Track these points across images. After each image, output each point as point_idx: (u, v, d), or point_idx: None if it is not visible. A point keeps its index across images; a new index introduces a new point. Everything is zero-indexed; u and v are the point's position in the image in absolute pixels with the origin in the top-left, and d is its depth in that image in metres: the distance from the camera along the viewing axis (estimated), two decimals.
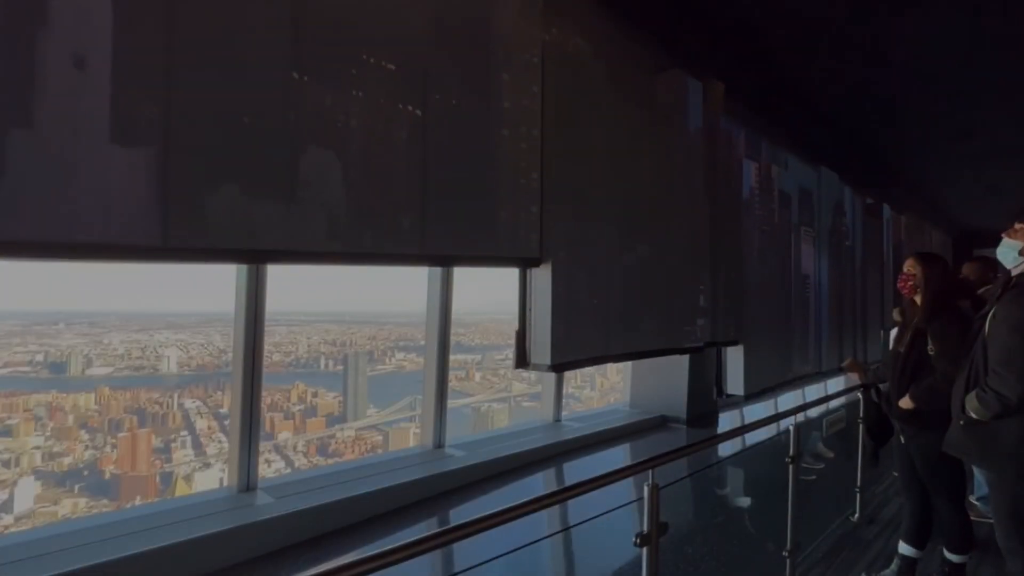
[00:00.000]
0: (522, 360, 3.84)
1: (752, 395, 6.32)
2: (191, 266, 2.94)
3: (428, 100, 3.29)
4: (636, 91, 4.61)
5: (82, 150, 2.22)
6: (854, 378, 3.97)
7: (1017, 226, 2.67)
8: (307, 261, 3.00)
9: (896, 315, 3.52)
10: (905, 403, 3.08)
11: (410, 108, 3.20)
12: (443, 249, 3.43)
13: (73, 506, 4.81)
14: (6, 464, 4.73)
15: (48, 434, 4.98)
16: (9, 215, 2.09)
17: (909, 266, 3.20)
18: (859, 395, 4.01)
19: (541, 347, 3.78)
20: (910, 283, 3.15)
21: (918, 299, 3.14)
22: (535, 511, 1.82)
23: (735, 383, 6.13)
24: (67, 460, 4.97)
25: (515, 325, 3.83)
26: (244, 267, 3.35)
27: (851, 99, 6.44)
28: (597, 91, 4.21)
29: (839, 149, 8.10)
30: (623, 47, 4.45)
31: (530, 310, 3.82)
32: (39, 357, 5.21)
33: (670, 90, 4.91)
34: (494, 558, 2.00)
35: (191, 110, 2.48)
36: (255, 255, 2.81)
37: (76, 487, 4.94)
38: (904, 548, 3.30)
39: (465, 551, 3.00)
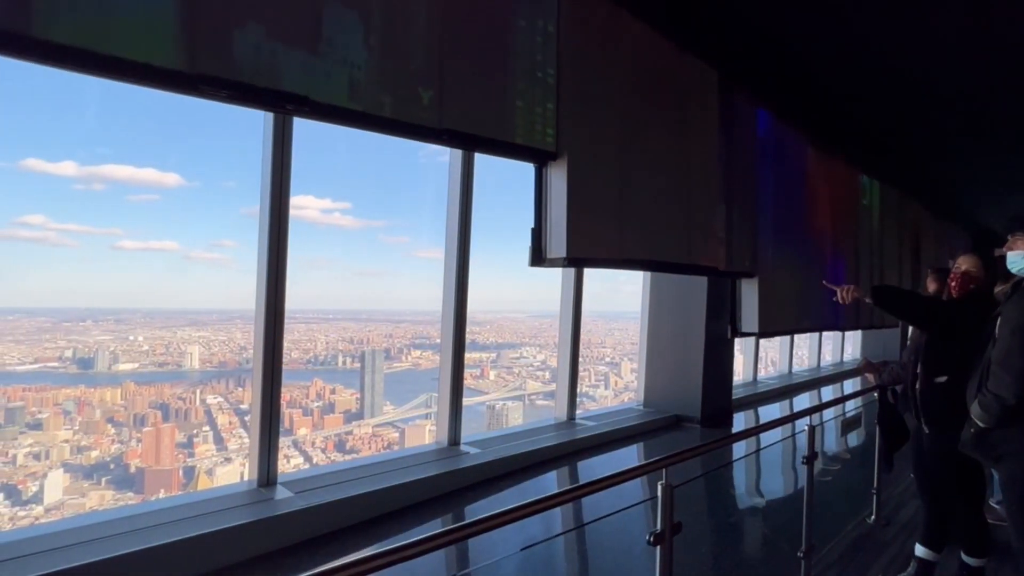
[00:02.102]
0: (537, 257, 3.81)
1: (766, 333, 6.18)
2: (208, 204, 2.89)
3: None
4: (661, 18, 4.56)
5: None
6: (871, 379, 3.93)
7: (1017, 235, 2.65)
8: (329, 117, 2.97)
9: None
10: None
11: None
12: (460, 126, 3.37)
13: (100, 498, 4.96)
14: (36, 457, 4.90)
15: (76, 428, 5.15)
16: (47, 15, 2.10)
17: (974, 264, 3.06)
18: (875, 396, 3.97)
19: (557, 240, 3.75)
20: (955, 282, 3.12)
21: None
22: (549, 508, 1.84)
23: (749, 321, 5.98)
24: (94, 453, 5.13)
25: (528, 322, 3.84)
26: (264, 264, 3.43)
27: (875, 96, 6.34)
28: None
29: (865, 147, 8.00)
30: None
31: (546, 206, 3.80)
32: (68, 353, 5.39)
33: None
34: (510, 555, 2.02)
35: None
36: (278, 98, 2.73)
37: (103, 480, 5.10)
38: (921, 551, 3.26)
39: (480, 547, 3.05)
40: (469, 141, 3.57)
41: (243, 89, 2.56)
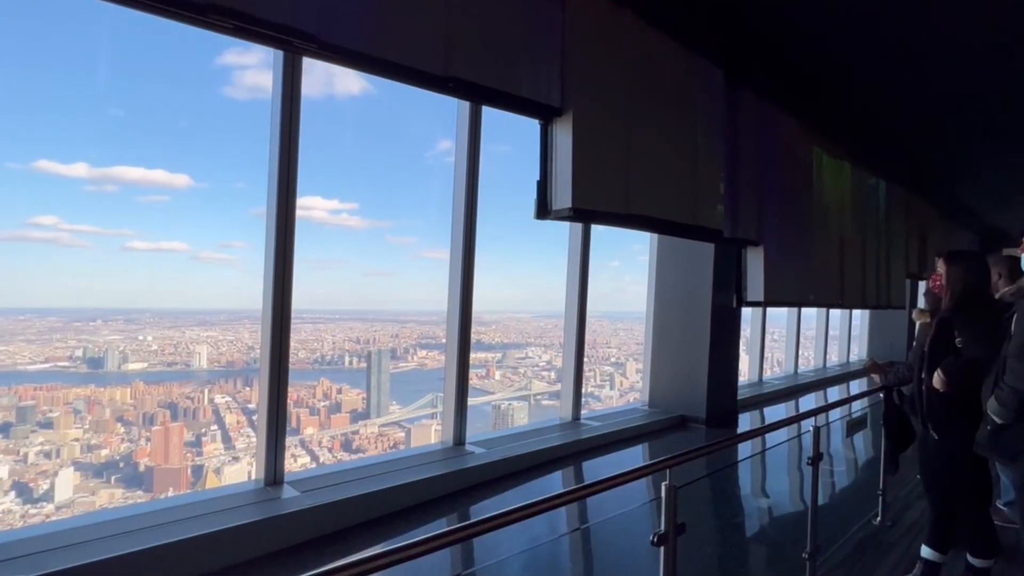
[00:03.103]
0: (543, 209, 3.82)
1: (772, 302, 6.10)
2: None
3: None
4: None
5: None
6: (877, 380, 3.92)
7: None
8: (336, 58, 2.95)
9: (916, 315, 3.45)
10: (937, 380, 2.98)
11: None
12: (466, 75, 3.34)
13: (110, 496, 5.02)
14: (47, 455, 4.96)
15: (87, 427, 5.22)
16: None
17: (939, 266, 3.17)
18: (880, 396, 3.96)
19: (563, 191, 3.74)
20: (939, 282, 3.13)
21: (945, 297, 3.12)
22: (554, 508, 1.85)
23: (755, 290, 5.91)
24: (104, 452, 5.20)
25: (533, 322, 3.86)
26: (271, 265, 3.47)
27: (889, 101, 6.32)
28: None
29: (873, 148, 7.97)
30: None
31: (551, 160, 3.79)
32: (78, 352, 5.46)
33: None
34: (513, 554, 2.04)
35: None
36: (286, 33, 2.69)
37: (113, 478, 5.16)
38: (927, 552, 3.26)
39: (485, 546, 3.07)
40: (475, 92, 3.52)
41: (251, 21, 2.53)
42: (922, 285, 12.00)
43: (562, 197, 3.76)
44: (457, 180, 4.51)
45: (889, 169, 8.76)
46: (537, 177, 3.78)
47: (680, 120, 4.72)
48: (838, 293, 7.64)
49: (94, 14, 6.19)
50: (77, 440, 5.11)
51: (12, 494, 4.73)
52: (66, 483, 4.92)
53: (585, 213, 3.87)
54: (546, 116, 3.81)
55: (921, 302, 5.84)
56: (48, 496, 4.83)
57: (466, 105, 4.44)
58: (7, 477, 4.77)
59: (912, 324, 3.39)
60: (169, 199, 6.39)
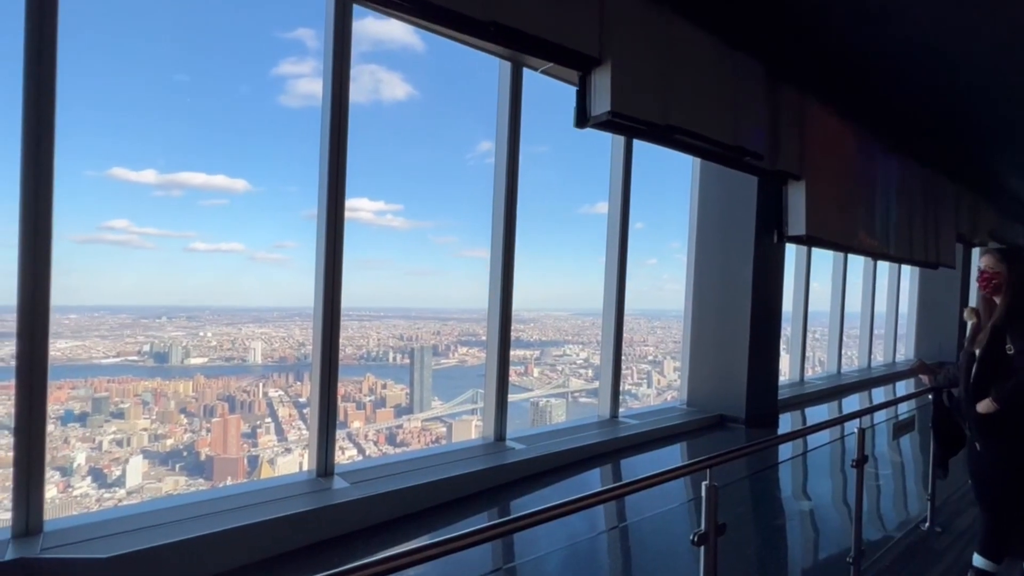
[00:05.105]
0: (582, 118, 3.93)
1: (814, 239, 6.02)
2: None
3: None
4: None
5: None
6: (926, 381, 3.80)
7: None
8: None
9: (967, 314, 3.31)
10: (985, 407, 2.90)
11: None
12: (506, 20, 3.42)
13: (175, 483, 5.36)
14: (119, 443, 5.33)
15: (153, 417, 5.58)
16: None
17: (990, 263, 2.97)
18: (929, 398, 3.84)
19: (601, 97, 3.83)
20: (994, 282, 2.96)
21: (998, 299, 2.97)
22: (595, 505, 1.88)
23: (796, 223, 5.83)
24: (169, 442, 5.55)
25: (571, 320, 3.92)
26: (322, 265, 3.61)
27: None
28: None
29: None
30: None
31: (592, 72, 3.90)
32: (146, 348, 5.85)
33: None
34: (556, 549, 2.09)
35: None
36: None
37: (177, 466, 5.51)
38: (979, 561, 3.16)
39: (523, 540, 3.15)
40: (514, 39, 3.58)
41: None
42: (975, 254, 11.49)
43: (600, 104, 3.83)
44: (497, 180, 4.58)
45: (932, 156, 8.41)
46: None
47: (722, 57, 4.72)
48: (884, 242, 7.42)
49: (169, 31, 6.57)
50: (145, 430, 5.47)
51: (89, 479, 5.11)
52: (136, 470, 5.27)
53: (623, 119, 3.90)
54: (585, 67, 3.87)
55: (972, 300, 5.59)
56: (120, 482, 5.19)
57: (506, 105, 4.50)
58: (84, 463, 5.15)
59: (963, 325, 3.27)
60: (228, 203, 6.74)
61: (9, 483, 2.64)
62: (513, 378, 4.78)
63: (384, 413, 6.72)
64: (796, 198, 5.85)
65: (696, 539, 2.08)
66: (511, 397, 4.72)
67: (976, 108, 6.69)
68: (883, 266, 10.85)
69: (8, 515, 2.65)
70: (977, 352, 3.02)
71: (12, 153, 2.63)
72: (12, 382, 2.64)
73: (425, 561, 1.42)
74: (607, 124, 3.95)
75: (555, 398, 7.60)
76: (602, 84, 3.88)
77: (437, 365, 7.18)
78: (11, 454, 2.62)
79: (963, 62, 5.41)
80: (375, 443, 6.58)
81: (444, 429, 6.88)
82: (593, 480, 4.36)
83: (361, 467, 3.89)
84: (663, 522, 3.32)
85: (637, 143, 5.50)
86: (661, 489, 2.11)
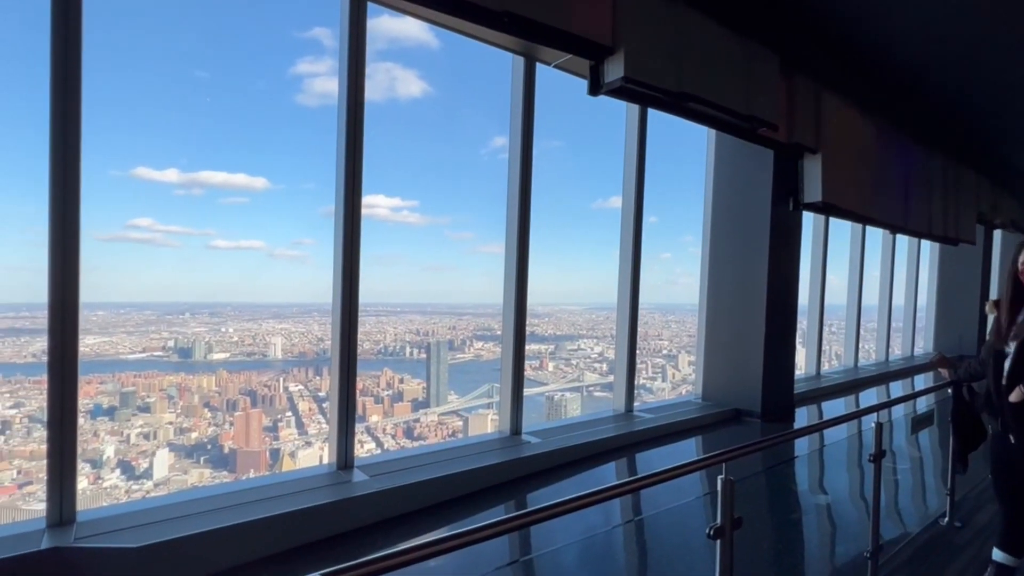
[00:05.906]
0: (595, 85, 3.98)
1: (830, 207, 5.97)
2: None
3: None
4: None
5: None
6: (945, 375, 3.76)
7: None
8: None
9: (989, 308, 3.26)
10: (1017, 395, 2.87)
11: None
12: (520, 10, 3.45)
13: (200, 476, 5.49)
14: (146, 437, 5.48)
15: (178, 411, 5.72)
16: None
17: None
18: (949, 393, 3.80)
19: (615, 62, 3.87)
20: None
21: None
22: (611, 498, 1.90)
23: (812, 191, 5.80)
24: (194, 435, 5.69)
25: (585, 315, 3.92)
26: (340, 261, 3.65)
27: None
28: None
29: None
30: None
31: (604, 62, 3.94)
32: (170, 343, 5.99)
33: None
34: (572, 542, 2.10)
35: None
36: None
37: (201, 459, 5.64)
38: (999, 555, 3.13)
39: (539, 533, 3.18)
40: (528, 28, 3.60)
41: None
42: (997, 235, 11.24)
43: (614, 69, 3.85)
44: (511, 175, 4.59)
45: (956, 149, 8.25)
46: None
47: (731, 34, 4.71)
48: (902, 214, 7.33)
49: (186, 33, 6.70)
50: (171, 423, 5.61)
51: (118, 471, 5.25)
52: (162, 462, 5.41)
53: (636, 86, 3.92)
54: (597, 56, 3.89)
55: (993, 291, 5.48)
56: (148, 474, 5.33)
57: (519, 100, 4.51)
58: (113, 456, 5.30)
59: (984, 317, 3.22)
60: (248, 201, 6.86)
61: (43, 475, 2.73)
62: (528, 372, 4.81)
63: (402, 407, 6.80)
64: (812, 168, 5.83)
65: (712, 533, 2.09)
66: (526, 391, 4.75)
67: (998, 97, 6.55)
68: (901, 256, 10.67)
69: (42, 505, 2.74)
70: (1010, 348, 2.96)
71: (41, 154, 2.69)
72: (45, 377, 2.73)
73: (444, 553, 1.45)
74: (621, 91, 3.96)
75: (570, 392, 7.63)
76: (614, 69, 3.91)
77: (453, 360, 7.24)
78: (44, 446, 2.71)
79: (979, 51, 5.30)
80: (393, 437, 6.67)
81: (460, 423, 6.94)
82: (609, 474, 4.38)
83: (380, 460, 3.94)
84: (679, 516, 3.34)
85: (651, 138, 5.48)
86: (677, 483, 2.11)
